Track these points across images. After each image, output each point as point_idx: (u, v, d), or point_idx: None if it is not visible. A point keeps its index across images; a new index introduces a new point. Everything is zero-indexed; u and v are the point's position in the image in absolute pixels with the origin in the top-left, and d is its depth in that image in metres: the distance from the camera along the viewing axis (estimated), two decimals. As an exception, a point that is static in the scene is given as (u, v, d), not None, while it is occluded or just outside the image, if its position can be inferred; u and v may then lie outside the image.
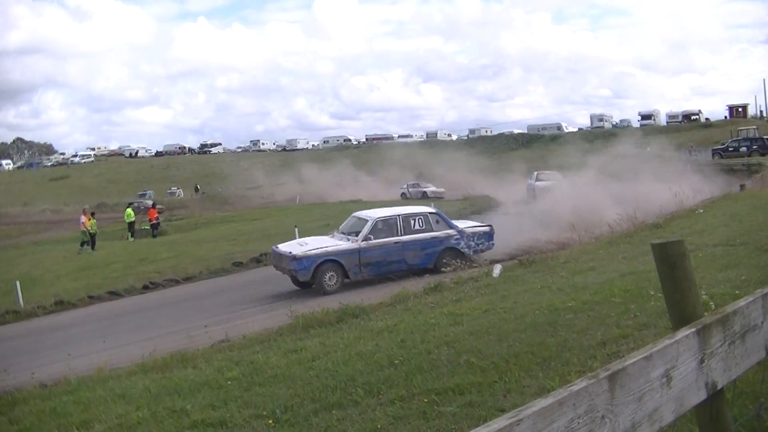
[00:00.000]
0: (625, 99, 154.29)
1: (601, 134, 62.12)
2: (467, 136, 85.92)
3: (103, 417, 5.89)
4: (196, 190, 61.01)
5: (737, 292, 5.86)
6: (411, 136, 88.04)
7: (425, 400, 4.82)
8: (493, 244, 15.15)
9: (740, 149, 41.36)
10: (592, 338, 5.71)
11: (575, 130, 79.40)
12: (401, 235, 13.99)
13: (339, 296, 11.83)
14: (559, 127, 78.32)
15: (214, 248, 21.20)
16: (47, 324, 13.50)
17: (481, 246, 14.90)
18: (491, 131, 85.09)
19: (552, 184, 26.37)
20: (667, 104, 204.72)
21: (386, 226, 14.05)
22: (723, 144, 44.76)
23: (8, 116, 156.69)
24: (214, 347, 8.80)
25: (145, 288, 16.19)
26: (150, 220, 31.45)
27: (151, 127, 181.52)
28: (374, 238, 13.73)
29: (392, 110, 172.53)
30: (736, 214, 14.69)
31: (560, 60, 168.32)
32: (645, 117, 75.00)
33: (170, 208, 48.06)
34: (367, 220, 14.15)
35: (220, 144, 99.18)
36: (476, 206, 27.69)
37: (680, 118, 72.30)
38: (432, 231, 14.32)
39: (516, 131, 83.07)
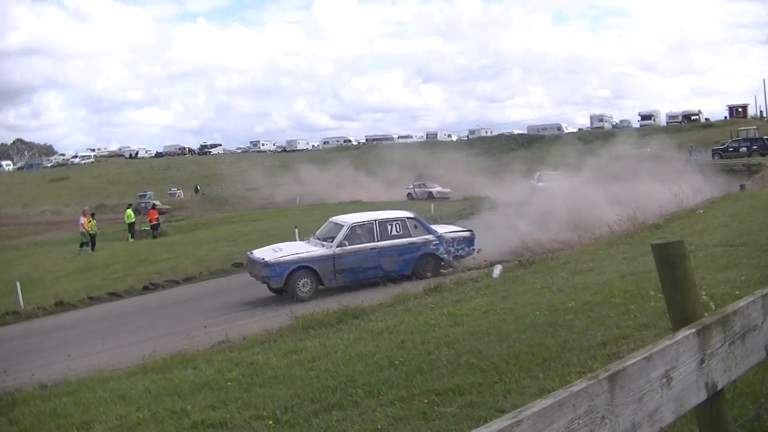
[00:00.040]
0: (625, 99, 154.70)
1: (601, 134, 62.09)
2: (467, 136, 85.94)
3: (103, 418, 5.89)
4: (196, 191, 61.01)
5: (737, 292, 5.86)
6: (411, 137, 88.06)
7: (425, 401, 4.82)
8: (473, 249, 14.75)
9: (740, 149, 41.37)
10: (592, 339, 5.71)
11: (575, 130, 79.45)
12: (378, 240, 13.67)
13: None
14: (559, 128, 78.33)
15: (214, 249, 21.20)
16: (47, 325, 13.50)
17: (461, 252, 14.53)
18: (491, 132, 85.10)
19: (554, 185, 26.32)
20: (667, 104, 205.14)
21: (362, 231, 13.74)
22: (723, 144, 44.77)
23: (8, 117, 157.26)
24: (214, 348, 8.80)
25: (145, 289, 16.19)
26: (150, 221, 31.46)
27: (151, 128, 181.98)
28: (349, 244, 13.41)
29: (392, 111, 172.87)
30: (736, 214, 14.69)
31: (560, 60, 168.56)
32: (645, 117, 75.02)
33: (170, 209, 48.17)
34: (342, 226, 13.83)
35: (220, 145, 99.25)
36: (476, 206, 27.69)
37: (680, 119, 72.34)
38: (410, 236, 14.00)
39: (516, 132, 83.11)
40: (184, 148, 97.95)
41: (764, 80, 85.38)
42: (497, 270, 11.41)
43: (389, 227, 13.93)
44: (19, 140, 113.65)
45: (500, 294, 9.12)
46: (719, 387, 1.74)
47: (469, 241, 14.81)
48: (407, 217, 14.45)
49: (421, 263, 14.01)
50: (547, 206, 20.09)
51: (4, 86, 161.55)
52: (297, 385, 5.77)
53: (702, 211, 16.35)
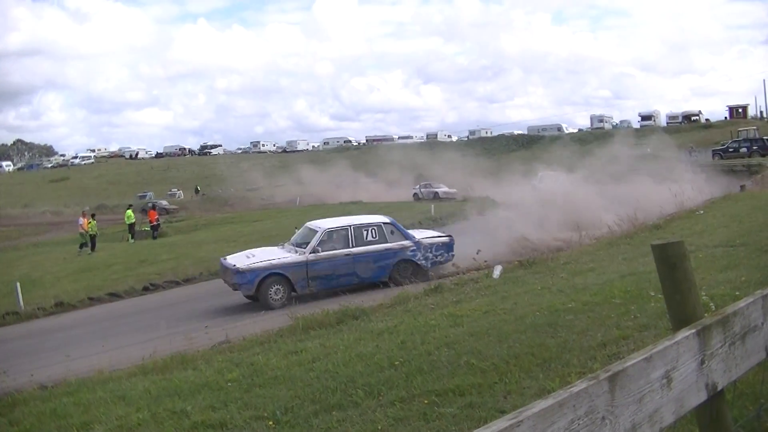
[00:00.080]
0: (625, 100, 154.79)
1: (601, 135, 62.09)
2: (467, 137, 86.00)
3: (104, 418, 5.89)
4: (197, 191, 61.02)
5: (737, 293, 5.86)
6: (411, 138, 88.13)
7: (425, 402, 4.82)
8: (453, 255, 14.39)
9: (740, 150, 41.38)
10: (592, 339, 5.71)
11: (575, 131, 79.49)
12: (352, 246, 13.37)
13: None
14: (560, 128, 78.36)
15: (214, 250, 21.16)
16: (47, 325, 13.50)
17: (439, 258, 14.23)
18: (491, 132, 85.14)
19: (555, 185, 26.29)
20: (667, 105, 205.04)
21: (336, 237, 13.46)
22: (723, 145, 44.77)
23: (8, 118, 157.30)
24: (215, 349, 8.81)
25: (146, 289, 16.19)
26: (150, 222, 31.47)
27: (151, 128, 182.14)
28: (323, 250, 13.11)
29: (392, 111, 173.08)
30: (736, 214, 14.70)
31: (560, 61, 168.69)
32: (645, 118, 75.00)
33: (177, 209, 48.27)
34: (316, 231, 13.55)
35: (221, 145, 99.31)
36: (476, 207, 27.67)
37: (680, 119, 72.35)
38: (386, 242, 13.68)
39: (516, 132, 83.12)
40: (185, 149, 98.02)
41: (764, 81, 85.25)
42: (497, 270, 11.41)
43: (364, 233, 13.60)
44: (20, 141, 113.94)
45: (500, 294, 9.12)
46: (719, 387, 1.74)
47: (448, 246, 14.45)
48: (383, 223, 14.12)
49: (398, 270, 13.69)
50: (547, 206, 20.07)
51: (4, 87, 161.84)
52: (297, 386, 5.77)
53: (702, 212, 16.35)
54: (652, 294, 6.56)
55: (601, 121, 78.33)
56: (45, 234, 39.14)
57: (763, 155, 38.75)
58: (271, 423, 4.98)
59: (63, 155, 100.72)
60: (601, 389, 1.36)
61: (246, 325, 10.60)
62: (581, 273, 9.92)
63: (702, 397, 1.67)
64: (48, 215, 50.14)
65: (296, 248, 13.49)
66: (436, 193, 38.37)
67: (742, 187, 22.27)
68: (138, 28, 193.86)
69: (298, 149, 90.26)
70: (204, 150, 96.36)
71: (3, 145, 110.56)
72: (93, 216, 27.61)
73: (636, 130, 66.93)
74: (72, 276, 19.55)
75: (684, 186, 19.66)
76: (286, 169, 60.59)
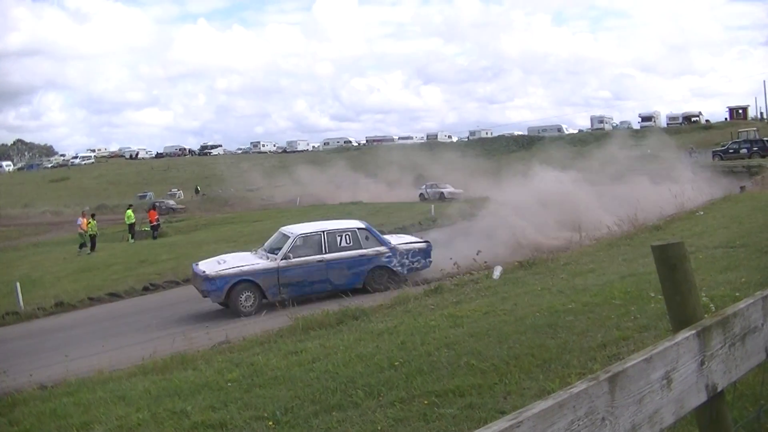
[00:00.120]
0: (625, 101, 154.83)
1: (601, 136, 62.07)
2: (467, 137, 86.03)
3: (104, 418, 5.89)
4: (197, 191, 61.01)
5: (737, 294, 5.87)
6: (411, 138, 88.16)
7: (425, 402, 4.82)
8: (430, 261, 14.11)
9: (740, 151, 41.40)
10: (592, 340, 5.71)
11: (575, 131, 79.52)
12: (325, 252, 13.09)
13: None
14: (560, 129, 78.38)
15: (214, 250, 21.08)
16: (47, 325, 13.50)
17: (416, 264, 13.98)
18: (491, 133, 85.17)
19: (557, 186, 26.22)
20: (667, 106, 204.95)
21: (309, 243, 13.17)
22: (723, 146, 44.78)
23: (9, 118, 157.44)
24: (215, 349, 8.81)
25: (146, 289, 16.19)
26: (150, 222, 31.47)
27: (151, 128, 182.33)
28: (295, 257, 12.83)
29: (392, 112, 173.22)
30: (736, 215, 14.70)
31: (560, 62, 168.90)
32: (645, 119, 75.04)
33: (184, 209, 48.32)
34: (288, 237, 13.26)
35: (221, 146, 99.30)
36: (477, 207, 27.65)
37: (680, 120, 72.38)
38: (360, 248, 13.41)
39: (516, 133, 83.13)
40: (185, 149, 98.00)
41: (764, 82, 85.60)
42: (497, 271, 11.41)
43: (338, 239, 13.34)
44: (20, 141, 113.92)
45: (500, 295, 9.12)
46: (719, 388, 1.74)
47: (426, 252, 14.18)
48: (358, 228, 13.79)
49: (373, 276, 13.47)
50: (547, 207, 20.06)
51: (4, 87, 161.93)
52: (297, 386, 5.77)
53: (702, 213, 16.35)
54: (652, 295, 6.56)
55: (601, 122, 78.35)
56: (45, 234, 39.13)
57: (763, 156, 38.76)
58: (271, 423, 4.98)
59: (63, 155, 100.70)
60: (601, 390, 1.36)
61: (246, 325, 10.59)
62: (581, 274, 9.92)
63: (702, 398, 1.67)
64: (48, 215, 50.13)
65: (268, 254, 13.21)
66: (442, 193, 38.22)
67: (742, 188, 22.27)
68: (138, 28, 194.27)
69: (298, 149, 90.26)
70: (204, 150, 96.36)
71: (3, 145, 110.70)
72: (93, 216, 27.62)
73: (636, 131, 66.97)
74: (72, 276, 19.54)
75: (684, 187, 19.67)
76: (286, 169, 60.57)
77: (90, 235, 26.24)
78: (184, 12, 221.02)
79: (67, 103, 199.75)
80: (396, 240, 14.49)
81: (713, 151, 44.12)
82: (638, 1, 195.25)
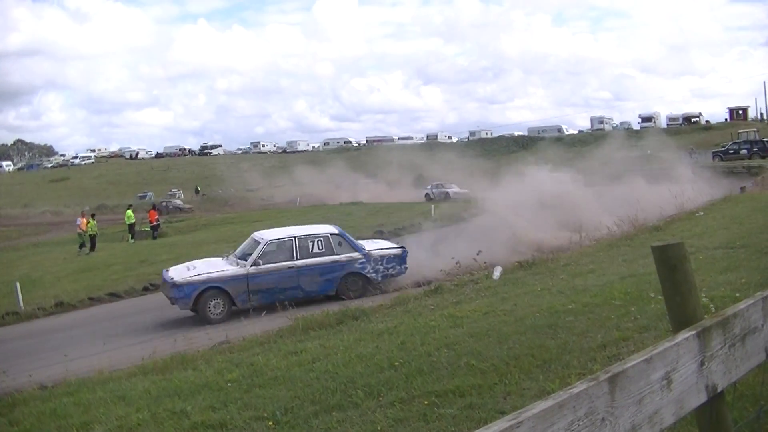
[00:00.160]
0: (626, 101, 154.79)
1: (601, 136, 62.08)
2: (467, 138, 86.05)
3: (104, 419, 5.90)
4: (197, 191, 61.03)
5: (737, 294, 5.87)
6: (411, 138, 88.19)
7: (425, 403, 4.83)
8: (405, 267, 13.84)
9: (740, 152, 41.42)
10: (592, 341, 5.71)
11: (575, 132, 79.54)
12: (297, 259, 12.80)
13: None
14: (560, 129, 78.38)
15: (214, 250, 21.11)
16: (47, 326, 13.50)
17: (391, 270, 13.65)
18: (491, 133, 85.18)
19: (558, 186, 26.20)
20: (667, 106, 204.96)
21: (280, 249, 12.89)
22: (723, 146, 44.79)
23: (9, 118, 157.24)
24: (214, 349, 8.82)
25: (146, 290, 16.17)
26: (150, 222, 31.49)
27: (151, 128, 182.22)
28: (265, 263, 12.56)
29: (392, 112, 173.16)
30: (736, 216, 14.70)
31: (560, 62, 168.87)
32: (645, 119, 75.04)
33: (191, 209, 48.34)
34: (259, 242, 13.02)
35: (221, 146, 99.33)
36: (476, 208, 27.65)
37: (680, 121, 72.38)
38: (333, 254, 13.11)
39: (516, 133, 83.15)
40: (185, 149, 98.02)
41: (764, 82, 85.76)
42: (497, 271, 11.41)
43: (310, 244, 13.05)
44: (20, 141, 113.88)
45: (500, 296, 9.13)
46: (719, 389, 1.74)
47: (401, 258, 13.87)
48: (330, 234, 13.50)
49: (346, 283, 13.21)
50: (547, 207, 20.06)
51: (4, 87, 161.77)
52: (297, 387, 5.77)
53: (702, 214, 16.35)
54: (652, 295, 6.56)
55: (601, 122, 78.37)
56: (45, 234, 39.14)
57: (763, 157, 38.78)
58: (270, 423, 4.98)
59: (63, 155, 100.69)
60: (601, 390, 1.36)
61: (246, 325, 10.59)
62: (581, 274, 9.92)
63: (702, 398, 1.67)
64: (48, 215, 50.13)
65: (238, 260, 12.98)
66: (447, 193, 38.15)
67: (742, 188, 22.28)
68: (138, 28, 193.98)
69: (298, 150, 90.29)
70: (204, 150, 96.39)
71: (3, 145, 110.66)
72: (93, 216, 27.64)
73: (636, 131, 66.98)
74: (72, 276, 19.55)
75: (684, 187, 19.66)
76: (286, 169, 60.62)
77: (90, 235, 26.26)
78: (184, 12, 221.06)
79: (68, 103, 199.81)
80: (370, 246, 14.17)
81: (713, 152, 44.12)
82: (638, 1, 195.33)
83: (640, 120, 76.01)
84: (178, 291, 12.21)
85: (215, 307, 12.30)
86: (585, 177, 25.88)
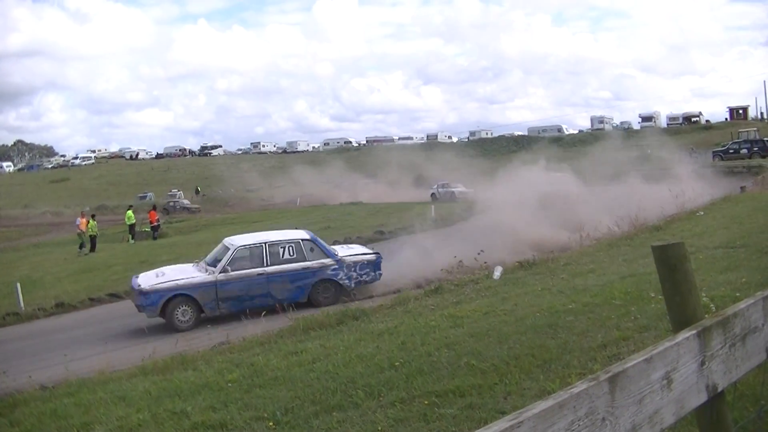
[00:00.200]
0: (626, 101, 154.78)
1: (601, 136, 62.06)
2: (467, 138, 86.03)
3: (104, 419, 5.90)
4: (197, 192, 61.00)
5: (738, 294, 5.87)
6: (411, 138, 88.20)
7: (426, 403, 4.83)
8: (380, 274, 13.61)
9: (741, 151, 41.39)
10: (592, 340, 5.71)
11: (575, 132, 79.52)
12: (267, 265, 12.58)
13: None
14: (560, 129, 78.35)
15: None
16: (48, 326, 13.50)
17: (364, 277, 13.43)
18: (491, 133, 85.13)
19: (559, 186, 26.18)
20: (667, 106, 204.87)
21: (249, 255, 12.68)
22: (723, 146, 44.76)
23: (9, 118, 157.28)
24: (215, 349, 8.82)
25: (146, 290, 16.16)
26: (150, 223, 31.50)
27: (151, 129, 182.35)
28: (234, 269, 12.33)
29: (392, 112, 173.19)
30: (737, 216, 14.70)
31: (560, 62, 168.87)
32: (645, 119, 75.03)
33: (198, 209, 48.31)
34: (229, 249, 12.77)
35: (221, 146, 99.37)
36: (476, 208, 27.65)
37: (681, 120, 72.33)
38: (304, 260, 12.87)
39: (516, 133, 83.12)
40: (185, 150, 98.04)
41: (765, 82, 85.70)
42: (497, 271, 11.41)
43: (281, 250, 12.80)
44: (20, 141, 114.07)
45: (500, 296, 9.13)
46: (720, 389, 1.74)
47: (375, 265, 13.62)
48: (302, 239, 13.25)
49: (318, 290, 12.99)
50: (547, 207, 20.06)
51: (4, 88, 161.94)
52: (297, 387, 5.77)
53: (702, 213, 16.35)
54: (653, 295, 6.57)
55: (601, 122, 78.34)
56: (45, 235, 39.15)
57: (763, 156, 38.76)
58: (271, 424, 4.98)
59: (63, 156, 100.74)
60: (601, 390, 1.36)
61: (246, 325, 10.60)
62: (581, 274, 9.92)
63: (702, 398, 1.67)
64: (48, 216, 50.12)
65: (207, 267, 12.76)
66: (453, 192, 38.09)
67: (743, 188, 22.28)
68: (138, 28, 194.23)
69: (298, 150, 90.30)
70: (204, 151, 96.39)
71: (3, 145, 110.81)
72: (93, 216, 27.65)
73: (636, 131, 66.95)
74: (72, 276, 19.55)
75: (684, 187, 19.66)
76: (286, 169, 60.60)
77: (90, 236, 26.27)
78: (184, 12, 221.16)
79: (68, 103, 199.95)
80: (344, 251, 13.96)
81: (713, 152, 44.07)
82: (638, 1, 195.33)
83: (640, 120, 76.01)
84: (145, 298, 11.96)
85: (183, 314, 12.05)
86: (586, 177, 25.87)
